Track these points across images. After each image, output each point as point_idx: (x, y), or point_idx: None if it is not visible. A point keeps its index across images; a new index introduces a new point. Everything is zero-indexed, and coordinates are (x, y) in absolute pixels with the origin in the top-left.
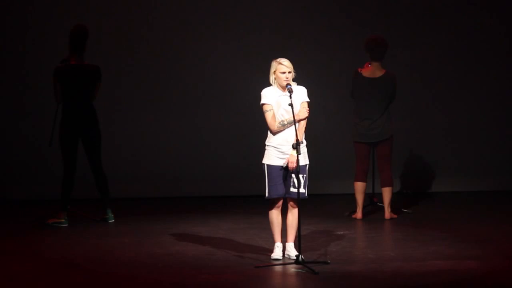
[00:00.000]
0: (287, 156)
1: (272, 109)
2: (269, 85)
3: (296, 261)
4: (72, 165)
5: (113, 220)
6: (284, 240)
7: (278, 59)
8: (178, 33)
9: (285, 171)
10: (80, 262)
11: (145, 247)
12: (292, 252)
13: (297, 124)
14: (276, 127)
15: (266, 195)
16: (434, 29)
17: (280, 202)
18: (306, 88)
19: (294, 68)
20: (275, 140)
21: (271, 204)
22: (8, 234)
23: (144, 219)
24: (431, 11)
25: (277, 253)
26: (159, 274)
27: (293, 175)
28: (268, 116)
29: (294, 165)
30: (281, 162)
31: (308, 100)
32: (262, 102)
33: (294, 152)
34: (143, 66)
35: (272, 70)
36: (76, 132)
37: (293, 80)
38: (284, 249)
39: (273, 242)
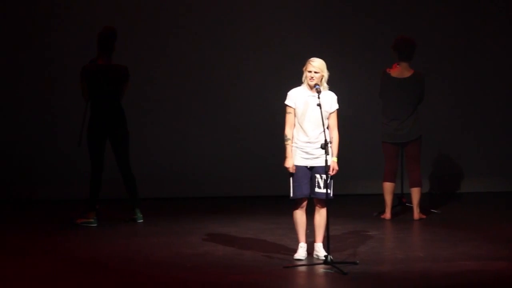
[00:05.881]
0: (312, 156)
1: (292, 113)
2: (292, 84)
3: (325, 262)
4: (100, 164)
5: (142, 220)
6: (309, 241)
7: (311, 58)
8: (198, 34)
9: (310, 172)
10: (108, 262)
11: (173, 247)
12: (320, 252)
13: (325, 125)
14: (286, 132)
15: (291, 195)
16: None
17: (305, 203)
18: (332, 88)
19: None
20: (301, 141)
21: (295, 204)
22: (37, 234)
23: (173, 219)
24: (445, 9)
25: (300, 254)
26: (188, 274)
27: (317, 175)
28: (287, 118)
29: (336, 170)
30: (306, 162)
31: (338, 107)
32: (285, 102)
33: (335, 158)
34: (166, 68)
35: (304, 67)
36: (103, 131)
37: (326, 83)
38: (311, 250)
39: (298, 242)
